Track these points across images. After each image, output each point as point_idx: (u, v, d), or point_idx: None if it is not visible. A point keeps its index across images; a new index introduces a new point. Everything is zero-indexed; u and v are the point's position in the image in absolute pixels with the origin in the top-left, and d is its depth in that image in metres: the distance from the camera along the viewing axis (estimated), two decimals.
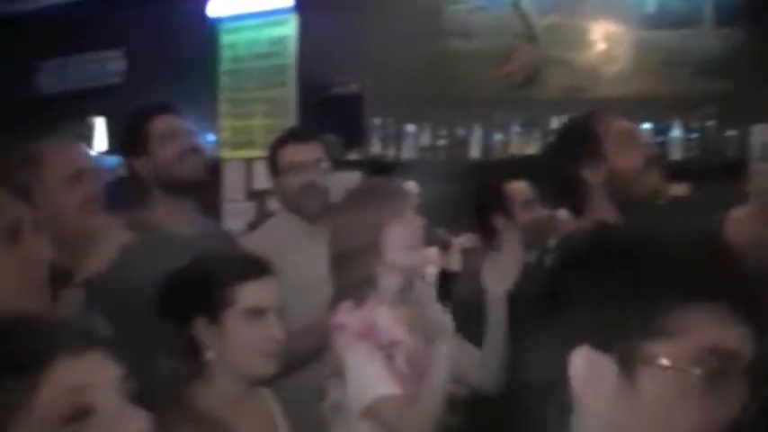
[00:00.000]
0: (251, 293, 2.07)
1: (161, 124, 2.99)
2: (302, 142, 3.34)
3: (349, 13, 6.13)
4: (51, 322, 1.22)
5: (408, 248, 2.36)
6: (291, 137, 3.42)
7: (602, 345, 1.05)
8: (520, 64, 5.64)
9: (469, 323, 2.52)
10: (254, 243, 3.12)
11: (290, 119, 6.37)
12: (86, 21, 7.64)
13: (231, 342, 2.05)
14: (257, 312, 2.06)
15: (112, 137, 7.49)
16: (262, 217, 6.09)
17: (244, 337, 2.05)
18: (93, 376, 1.13)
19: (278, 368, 2.09)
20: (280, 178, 3.33)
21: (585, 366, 1.06)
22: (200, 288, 2.07)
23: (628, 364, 1.04)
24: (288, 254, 2.77)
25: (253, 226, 5.05)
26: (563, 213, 2.82)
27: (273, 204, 6.19)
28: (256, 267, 2.11)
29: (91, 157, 2.70)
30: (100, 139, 7.52)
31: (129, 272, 2.72)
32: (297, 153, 3.28)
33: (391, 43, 5.97)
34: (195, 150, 3.02)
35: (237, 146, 6.68)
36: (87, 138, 7.52)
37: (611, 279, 1.07)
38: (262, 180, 6.37)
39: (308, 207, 3.20)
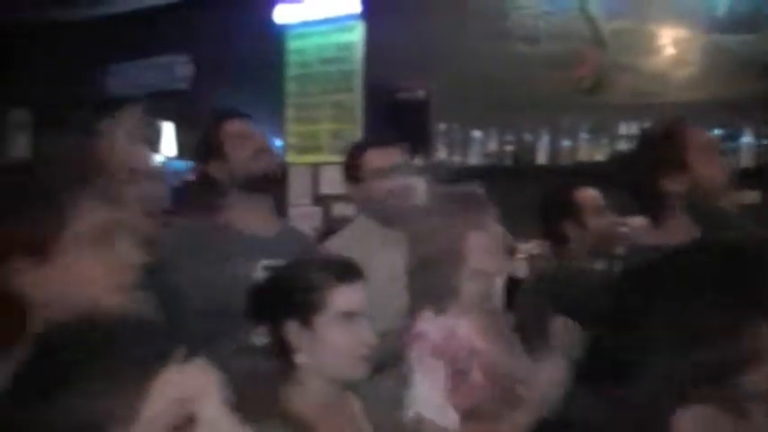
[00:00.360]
0: (343, 298, 2.08)
1: (234, 127, 3.06)
2: (386, 147, 3.33)
3: (415, 19, 6.15)
4: (153, 329, 1.22)
5: (491, 256, 2.36)
6: (374, 142, 3.41)
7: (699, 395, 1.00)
8: (588, 69, 5.59)
9: (532, 333, 2.52)
10: (336, 247, 3.13)
11: (356, 124, 6.41)
12: (154, 26, 7.76)
13: (322, 346, 2.06)
14: (349, 316, 2.07)
15: (180, 141, 7.60)
16: (328, 222, 6.14)
17: (335, 341, 2.05)
18: (197, 385, 1.13)
19: (367, 372, 2.10)
20: (361, 184, 3.31)
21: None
22: (292, 292, 2.09)
23: (736, 408, 0.99)
24: (367, 259, 2.77)
25: (322, 231, 5.07)
26: (636, 222, 2.80)
27: (339, 209, 6.25)
28: (348, 271, 2.12)
29: (151, 159, 2.75)
30: (168, 143, 7.62)
31: (200, 271, 2.77)
32: (381, 158, 3.27)
33: (457, 48, 5.96)
34: (267, 149, 3.08)
35: (304, 151, 6.73)
36: (155, 142, 7.64)
37: (698, 302, 1.04)
38: (328, 185, 6.43)
39: (392, 212, 3.17)
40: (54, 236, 1.39)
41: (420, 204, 2.66)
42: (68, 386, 1.08)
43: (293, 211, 6.52)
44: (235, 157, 3.01)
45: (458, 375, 2.25)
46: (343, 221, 5.26)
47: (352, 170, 3.35)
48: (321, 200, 6.52)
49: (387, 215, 3.18)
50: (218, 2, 7.26)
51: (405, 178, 3.25)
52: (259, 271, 2.85)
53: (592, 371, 1.13)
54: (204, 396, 1.13)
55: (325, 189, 6.48)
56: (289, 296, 2.09)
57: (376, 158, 3.27)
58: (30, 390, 1.09)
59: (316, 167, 6.54)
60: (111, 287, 1.43)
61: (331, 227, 5.31)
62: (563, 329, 2.63)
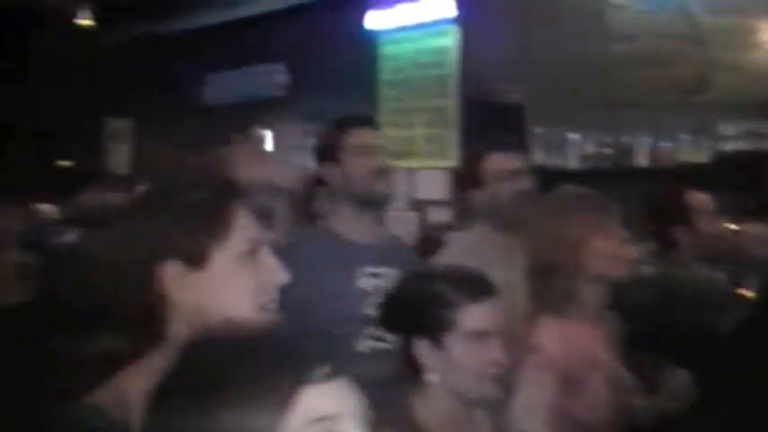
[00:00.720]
0: (475, 316, 2.01)
1: (357, 138, 2.99)
2: (508, 152, 3.31)
3: (510, 22, 6.10)
4: (294, 347, 1.22)
5: (613, 261, 2.31)
6: (496, 146, 3.37)
7: None
8: (688, 67, 5.48)
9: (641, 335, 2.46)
10: (455, 256, 3.10)
11: (452, 129, 6.39)
12: (250, 35, 7.89)
13: (453, 365, 2.01)
14: (480, 335, 2.01)
15: (277, 148, 7.71)
16: (424, 228, 6.14)
17: (466, 360, 2.00)
18: (338, 405, 1.13)
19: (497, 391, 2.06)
20: (481, 189, 3.26)
21: None
22: (422, 308, 2.05)
23: None
24: (486, 268, 2.72)
25: (421, 237, 5.06)
26: (754, 228, 2.73)
27: (435, 214, 6.26)
28: (481, 289, 2.06)
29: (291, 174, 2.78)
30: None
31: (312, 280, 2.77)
32: (505, 162, 3.24)
33: (553, 50, 5.90)
34: (388, 169, 3.03)
35: (399, 156, 6.74)
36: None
37: None
38: (424, 190, 6.43)
39: (511, 217, 3.11)
40: (211, 246, 1.41)
41: (539, 208, 2.61)
42: (213, 400, 1.09)
43: (389, 216, 6.52)
44: (353, 171, 2.95)
45: (575, 386, 2.22)
46: (441, 227, 5.28)
47: (471, 175, 3.30)
48: (417, 205, 6.52)
49: (506, 220, 3.13)
50: (311, 10, 7.34)
51: (525, 182, 3.21)
52: (365, 279, 2.86)
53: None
54: (345, 416, 1.13)
55: (421, 194, 6.48)
56: (419, 312, 2.05)
57: (501, 162, 3.23)
58: (175, 401, 1.11)
59: (411, 172, 6.54)
60: (256, 303, 1.44)
61: (427, 233, 5.33)
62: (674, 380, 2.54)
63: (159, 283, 1.39)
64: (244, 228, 1.44)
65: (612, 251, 2.32)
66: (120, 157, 9.86)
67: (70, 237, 3.89)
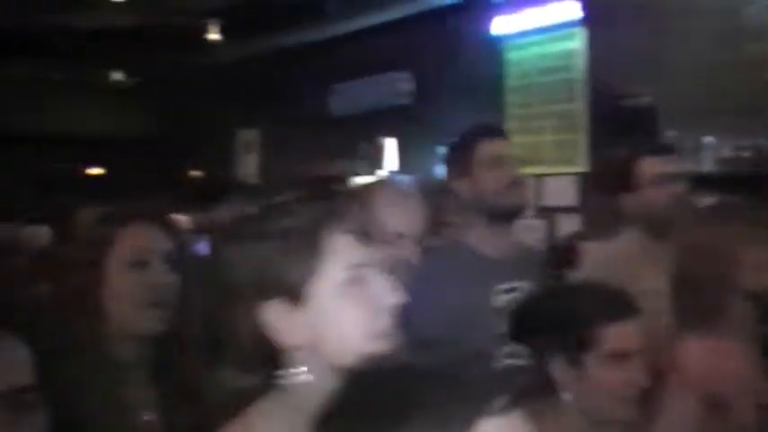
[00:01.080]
0: (615, 336, 1.94)
1: (488, 149, 2.92)
2: (666, 154, 3.19)
3: (639, 22, 5.94)
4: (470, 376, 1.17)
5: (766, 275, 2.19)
6: (653, 149, 3.25)
7: None
8: None
9: None
10: (601, 265, 3.01)
11: (580, 134, 6.28)
12: (375, 44, 7.94)
13: (590, 386, 1.95)
14: (620, 356, 1.94)
15: (402, 157, 7.74)
16: (556, 236, 6.05)
17: (605, 381, 1.94)
18: None
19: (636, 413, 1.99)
20: (632, 193, 3.15)
21: None
22: (560, 327, 1.99)
23: None
24: (634, 279, 2.60)
25: (558, 247, 4.95)
26: None
27: (563, 221, 6.16)
28: (623, 308, 1.99)
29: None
30: (390, 159, 7.78)
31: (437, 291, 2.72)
32: (663, 165, 3.12)
33: (685, 51, 5.72)
34: (521, 182, 2.96)
35: (526, 162, 6.65)
36: (377, 158, 7.82)
37: None
38: (552, 197, 6.34)
39: (665, 225, 2.98)
40: (308, 279, 1.34)
41: (691, 216, 2.50)
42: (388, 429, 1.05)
43: (517, 225, 6.45)
44: (486, 184, 2.89)
45: (721, 409, 2.12)
46: (574, 236, 5.16)
47: (624, 178, 3.17)
48: (544, 212, 6.42)
49: (658, 227, 3.01)
50: (436, 17, 7.34)
51: (680, 187, 3.08)
52: (500, 294, 2.81)
53: None
54: None
55: (549, 201, 6.38)
56: (556, 330, 1.99)
57: (659, 165, 3.10)
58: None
59: (538, 179, 6.45)
60: (368, 332, 1.35)
61: (560, 242, 5.23)
62: None
63: (265, 322, 1.34)
64: (342, 254, 1.36)
65: (765, 265, 2.19)
66: (249, 167, 10.07)
67: (204, 248, 3.97)
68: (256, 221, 1.42)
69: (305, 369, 1.35)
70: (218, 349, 1.42)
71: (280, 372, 1.36)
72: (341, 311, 1.35)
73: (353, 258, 1.37)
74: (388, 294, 1.38)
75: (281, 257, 1.34)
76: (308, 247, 1.35)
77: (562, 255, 3.63)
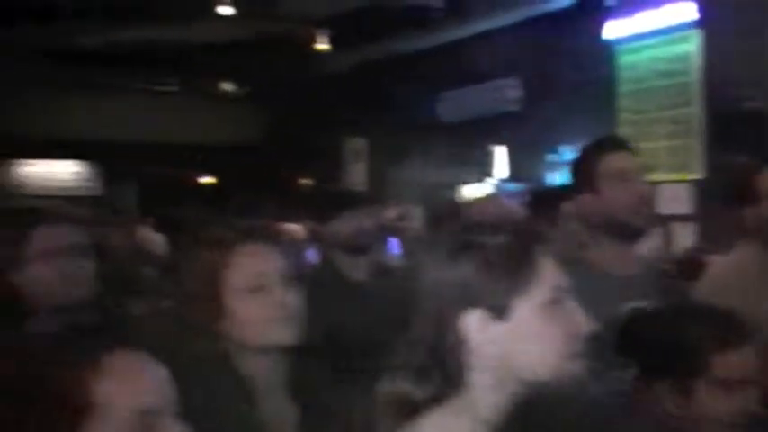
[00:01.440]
0: (728, 364, 1.87)
1: (612, 163, 2.81)
2: None
3: (756, 21, 5.77)
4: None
5: None
6: None
7: None
8: None
9: None
10: (714, 284, 2.92)
11: (696, 139, 6.12)
12: (483, 51, 7.91)
13: (697, 412, 1.88)
14: (733, 384, 1.87)
15: (512, 164, 7.68)
16: (667, 246, 5.90)
17: (713, 409, 1.87)
18: None
19: None
20: (755, 206, 3.03)
21: None
22: (671, 350, 1.93)
23: None
24: (752, 297, 2.51)
25: (682, 261, 4.81)
26: None
27: (679, 230, 6.01)
28: (736, 334, 1.91)
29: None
30: (500, 166, 7.74)
31: None
32: None
33: None
34: (650, 198, 2.85)
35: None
36: (487, 166, 7.80)
37: None
38: (667, 204, 6.19)
39: None
40: (515, 295, 1.40)
41: None
42: None
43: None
44: (611, 200, 2.78)
45: None
46: (698, 250, 5.02)
47: (744, 190, 3.06)
48: (660, 220, 6.27)
49: None
50: (545, 22, 7.27)
51: None
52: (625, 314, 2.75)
53: None
54: None
55: (664, 209, 6.24)
56: (666, 352, 1.94)
57: None
58: None
59: (653, 186, 6.29)
60: (561, 354, 1.41)
61: (685, 255, 5.09)
62: None
63: (460, 330, 1.39)
64: (548, 276, 1.42)
65: None
66: (357, 175, 10.15)
67: (316, 258, 3.98)
68: (457, 235, 1.47)
69: (488, 379, 1.40)
70: (384, 358, 1.44)
71: (455, 381, 1.40)
72: (543, 329, 1.41)
73: (557, 281, 1.43)
74: (583, 320, 1.44)
75: (489, 272, 1.41)
76: (518, 265, 1.41)
77: (686, 267, 3.52)
